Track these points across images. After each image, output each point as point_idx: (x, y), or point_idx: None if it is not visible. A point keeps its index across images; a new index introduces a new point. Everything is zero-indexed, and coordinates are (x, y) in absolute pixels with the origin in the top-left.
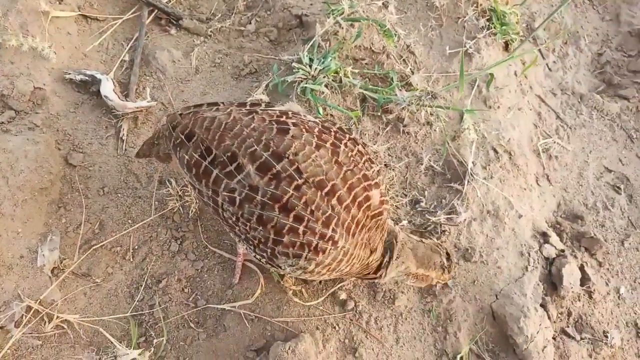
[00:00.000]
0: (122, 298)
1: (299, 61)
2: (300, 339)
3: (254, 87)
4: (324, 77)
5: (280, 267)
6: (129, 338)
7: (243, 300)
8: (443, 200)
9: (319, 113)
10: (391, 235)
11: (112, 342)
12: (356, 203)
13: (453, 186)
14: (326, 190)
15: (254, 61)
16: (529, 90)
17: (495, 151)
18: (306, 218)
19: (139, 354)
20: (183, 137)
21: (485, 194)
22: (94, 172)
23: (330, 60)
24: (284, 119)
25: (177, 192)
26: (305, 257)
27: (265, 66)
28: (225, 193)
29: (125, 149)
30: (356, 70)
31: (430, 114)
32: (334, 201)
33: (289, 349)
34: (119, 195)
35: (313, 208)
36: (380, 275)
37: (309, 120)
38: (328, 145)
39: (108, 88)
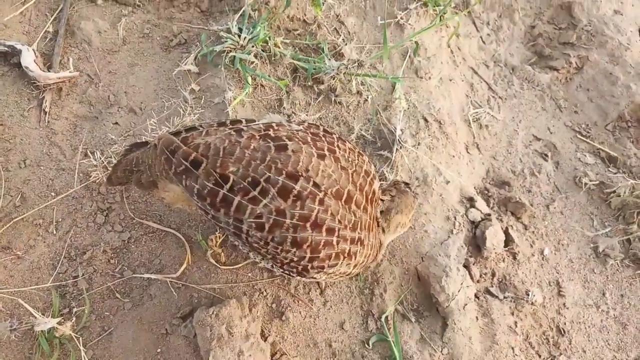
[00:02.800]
0: (45, 271)
1: (228, 31)
2: (225, 303)
3: (184, 57)
4: (253, 46)
5: (315, 277)
6: (52, 310)
7: (170, 270)
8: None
9: (248, 83)
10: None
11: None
12: (369, 201)
13: (383, 154)
14: (344, 198)
15: (183, 32)
16: (461, 62)
17: (425, 120)
18: (336, 228)
19: (58, 323)
20: (188, 164)
21: (414, 161)
22: (14, 145)
23: (260, 29)
24: (273, 133)
25: (102, 162)
26: (341, 264)
27: (195, 37)
28: (251, 220)
29: (48, 121)
30: (288, 41)
31: (362, 83)
32: (353, 207)
33: (212, 313)
34: (42, 167)
35: (339, 217)
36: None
37: (297, 130)
38: (326, 151)
39: (29, 59)
